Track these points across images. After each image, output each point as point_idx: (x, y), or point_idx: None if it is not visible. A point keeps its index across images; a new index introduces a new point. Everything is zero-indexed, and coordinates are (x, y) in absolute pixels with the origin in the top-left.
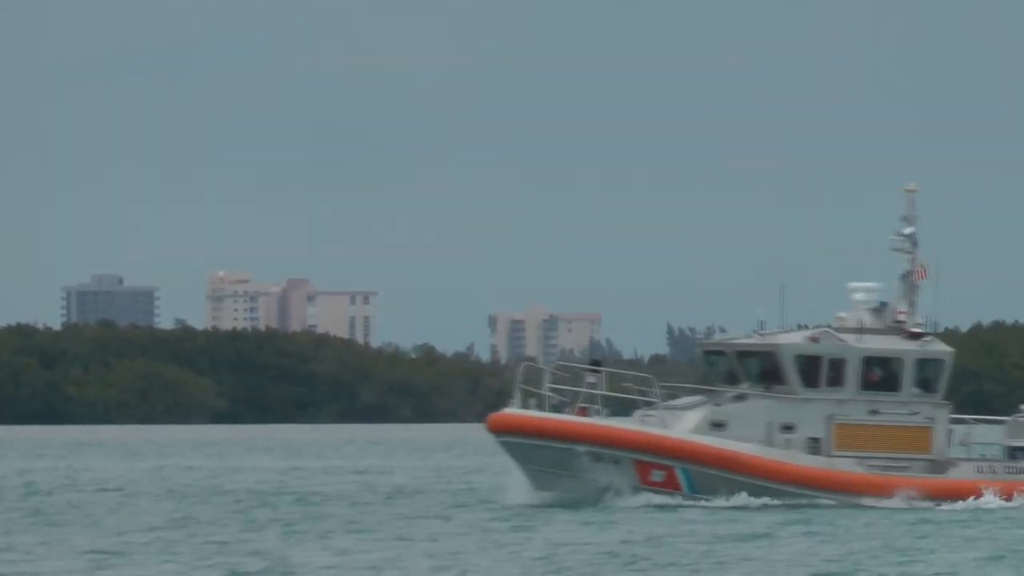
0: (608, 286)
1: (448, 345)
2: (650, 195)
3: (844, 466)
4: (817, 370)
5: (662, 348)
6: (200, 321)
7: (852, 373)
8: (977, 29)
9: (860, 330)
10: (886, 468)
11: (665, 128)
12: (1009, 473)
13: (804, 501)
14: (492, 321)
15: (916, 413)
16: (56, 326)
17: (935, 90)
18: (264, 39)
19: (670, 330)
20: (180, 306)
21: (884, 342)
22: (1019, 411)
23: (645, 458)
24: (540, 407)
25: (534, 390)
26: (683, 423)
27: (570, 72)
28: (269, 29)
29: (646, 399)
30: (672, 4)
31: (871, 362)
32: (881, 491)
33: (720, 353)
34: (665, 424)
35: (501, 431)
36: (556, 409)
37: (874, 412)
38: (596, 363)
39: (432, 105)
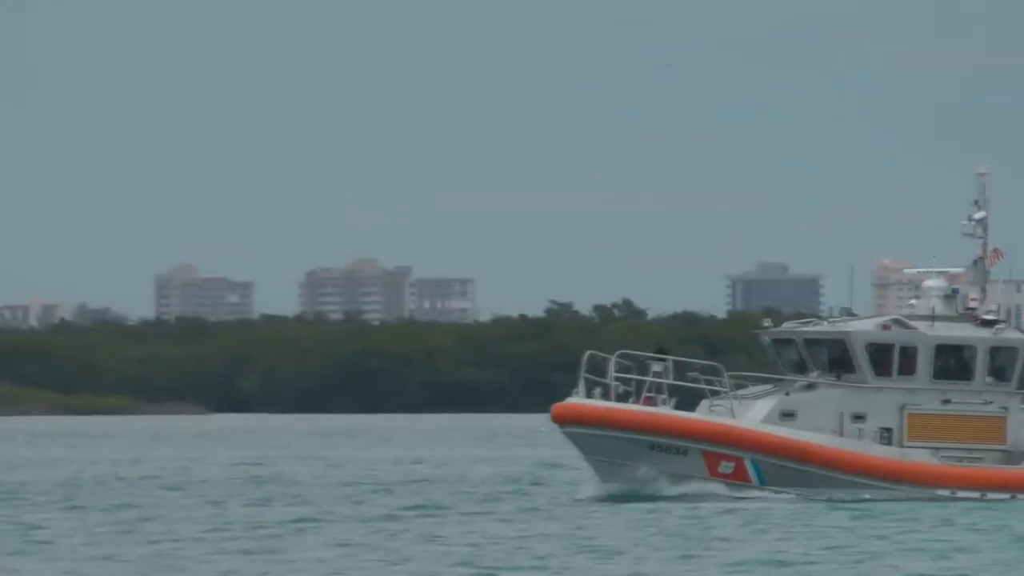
0: (617, 273)
1: None
2: (666, 183)
3: (917, 457)
4: (888, 358)
5: None
6: None
7: (924, 361)
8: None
9: (932, 318)
10: (960, 459)
11: (666, 122)
12: None
13: (878, 493)
14: None
15: (990, 403)
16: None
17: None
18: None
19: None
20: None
21: (956, 329)
22: None
23: (714, 449)
24: (605, 397)
25: (598, 379)
26: (752, 413)
27: (566, 69)
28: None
29: (713, 388)
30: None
31: (943, 350)
32: (954, 483)
33: (788, 341)
34: (734, 414)
35: (565, 421)
36: (621, 399)
37: (947, 401)
38: (662, 351)
39: (434, 95)
